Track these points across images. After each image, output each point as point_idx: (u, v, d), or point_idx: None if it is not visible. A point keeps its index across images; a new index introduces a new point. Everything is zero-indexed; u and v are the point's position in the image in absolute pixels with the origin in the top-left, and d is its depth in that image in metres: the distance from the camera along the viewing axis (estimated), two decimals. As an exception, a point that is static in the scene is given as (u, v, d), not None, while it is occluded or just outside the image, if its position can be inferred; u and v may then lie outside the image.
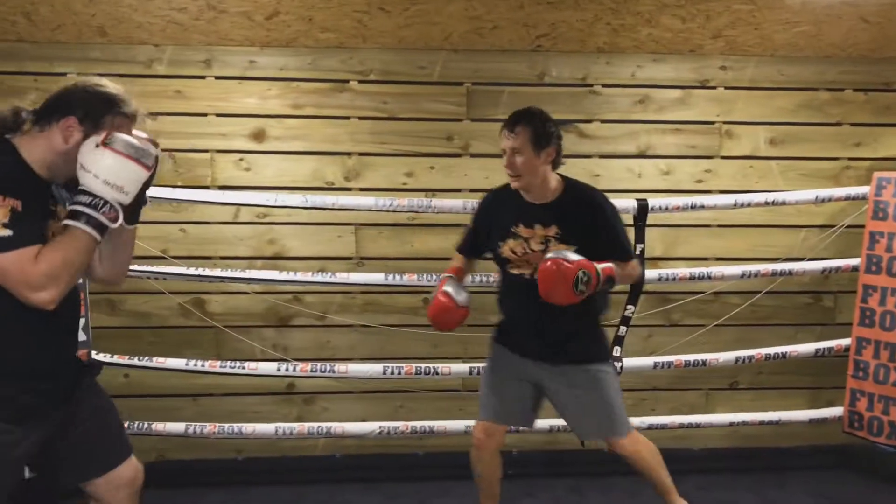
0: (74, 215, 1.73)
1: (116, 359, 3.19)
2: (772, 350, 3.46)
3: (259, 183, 3.50)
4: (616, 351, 3.29)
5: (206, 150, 3.48)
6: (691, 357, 3.40)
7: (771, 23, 3.38)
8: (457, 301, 2.50)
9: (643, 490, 3.35)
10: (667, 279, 3.33)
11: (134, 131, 1.84)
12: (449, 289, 2.52)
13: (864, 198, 3.45)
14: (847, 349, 3.47)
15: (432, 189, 3.56)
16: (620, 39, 3.48)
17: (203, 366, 3.20)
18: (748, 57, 3.64)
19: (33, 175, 1.78)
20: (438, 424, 3.31)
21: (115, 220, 1.76)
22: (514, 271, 2.52)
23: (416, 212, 3.36)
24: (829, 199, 3.48)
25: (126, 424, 3.18)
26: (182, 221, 3.52)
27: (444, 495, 3.32)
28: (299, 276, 3.25)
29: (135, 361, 3.19)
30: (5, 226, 1.64)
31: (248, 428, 3.23)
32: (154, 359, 3.20)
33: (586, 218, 2.44)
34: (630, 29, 3.39)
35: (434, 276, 3.25)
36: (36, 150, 1.78)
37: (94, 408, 2.00)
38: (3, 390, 1.75)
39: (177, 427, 3.21)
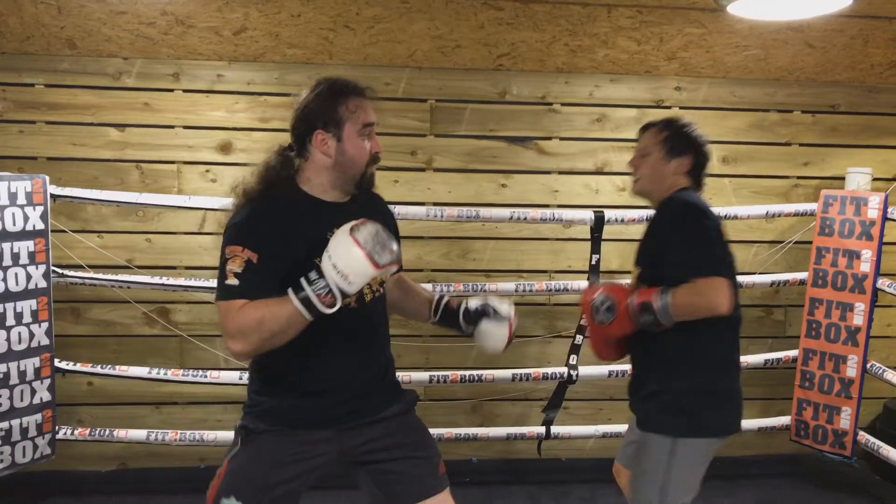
0: (296, 288, 1.71)
1: (80, 366, 3.22)
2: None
3: (225, 194, 3.53)
4: (572, 359, 3.38)
5: (172, 162, 3.54)
6: (645, 367, 3.49)
7: (721, 46, 3.53)
8: None
9: (598, 497, 3.45)
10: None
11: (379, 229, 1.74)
12: None
13: (811, 214, 3.59)
14: (795, 360, 3.60)
15: (395, 202, 3.64)
16: (578, 60, 3.60)
17: (165, 374, 3.25)
18: (701, 78, 3.79)
19: (316, 204, 1.88)
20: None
21: (330, 305, 1.71)
22: None
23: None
24: (779, 216, 3.62)
25: (87, 431, 3.25)
26: (148, 231, 3.56)
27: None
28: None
29: (97, 369, 3.22)
30: (236, 275, 1.75)
31: (210, 435, 3.27)
32: (117, 367, 3.24)
33: None
34: (587, 50, 3.52)
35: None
36: (313, 178, 1.89)
37: (403, 441, 1.98)
38: (277, 401, 1.90)
39: (138, 434, 3.25)
